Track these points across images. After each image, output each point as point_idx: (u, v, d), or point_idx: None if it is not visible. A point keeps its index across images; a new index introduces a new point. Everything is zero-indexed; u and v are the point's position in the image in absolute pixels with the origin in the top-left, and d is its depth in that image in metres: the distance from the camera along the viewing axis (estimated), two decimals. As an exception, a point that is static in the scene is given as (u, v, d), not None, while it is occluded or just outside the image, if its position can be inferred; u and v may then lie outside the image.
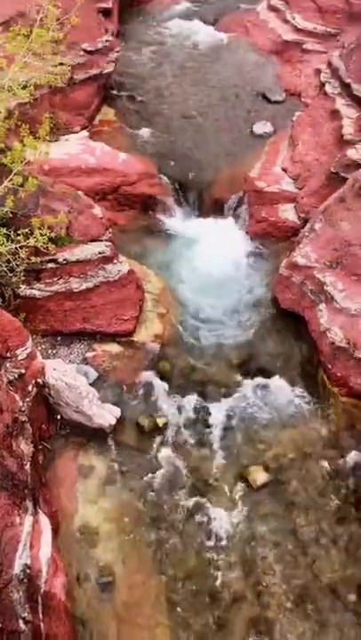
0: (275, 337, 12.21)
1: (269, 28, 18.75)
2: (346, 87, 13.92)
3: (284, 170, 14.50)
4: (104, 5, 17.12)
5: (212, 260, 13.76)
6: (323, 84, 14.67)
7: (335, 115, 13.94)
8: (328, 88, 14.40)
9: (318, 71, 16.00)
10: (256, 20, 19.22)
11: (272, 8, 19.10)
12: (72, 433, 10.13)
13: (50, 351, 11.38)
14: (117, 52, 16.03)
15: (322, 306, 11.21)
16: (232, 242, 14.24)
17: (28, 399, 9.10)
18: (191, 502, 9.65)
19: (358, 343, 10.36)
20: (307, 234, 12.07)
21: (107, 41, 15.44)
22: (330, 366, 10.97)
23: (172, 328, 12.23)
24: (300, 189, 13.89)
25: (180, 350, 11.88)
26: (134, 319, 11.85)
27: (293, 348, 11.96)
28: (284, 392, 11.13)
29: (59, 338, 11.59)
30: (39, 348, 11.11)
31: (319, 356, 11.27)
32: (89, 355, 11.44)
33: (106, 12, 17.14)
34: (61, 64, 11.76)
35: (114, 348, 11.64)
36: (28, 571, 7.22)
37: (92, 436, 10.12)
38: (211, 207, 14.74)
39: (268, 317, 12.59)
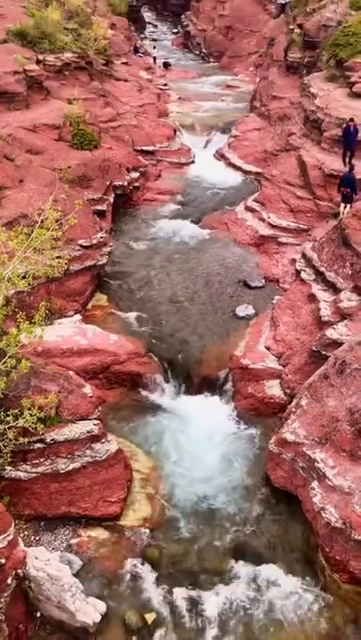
0: (269, 518, 11.73)
1: (247, 225, 20.86)
2: (320, 274, 15.18)
3: (268, 348, 15.13)
4: (99, 208, 19.27)
5: (201, 436, 13.69)
6: (298, 272, 16.01)
7: (312, 298, 15.01)
8: (304, 275, 15.69)
9: (294, 261, 17.55)
10: (235, 219, 21.48)
11: (249, 209, 21.47)
12: (52, 633, 9.20)
13: (33, 537, 10.79)
14: (110, 246, 17.65)
15: (314, 484, 10.96)
16: (220, 418, 14.30)
17: (6, 594, 8.43)
18: None
19: (354, 523, 9.96)
20: (294, 410, 12.24)
21: (101, 237, 17.06)
22: (327, 549, 10.39)
23: (161, 510, 11.76)
24: (285, 366, 14.38)
25: (170, 535, 11.30)
26: (122, 501, 11.44)
27: (289, 530, 11.43)
28: (280, 580, 10.38)
29: (42, 522, 11.06)
30: (22, 535, 10.53)
31: (316, 537, 10.73)
32: (73, 541, 10.84)
33: (100, 213, 19.21)
34: (59, 257, 12.66)
35: (100, 533, 11.07)
36: None
37: (74, 637, 9.17)
38: (198, 384, 15.07)
39: (261, 496, 12.19)
